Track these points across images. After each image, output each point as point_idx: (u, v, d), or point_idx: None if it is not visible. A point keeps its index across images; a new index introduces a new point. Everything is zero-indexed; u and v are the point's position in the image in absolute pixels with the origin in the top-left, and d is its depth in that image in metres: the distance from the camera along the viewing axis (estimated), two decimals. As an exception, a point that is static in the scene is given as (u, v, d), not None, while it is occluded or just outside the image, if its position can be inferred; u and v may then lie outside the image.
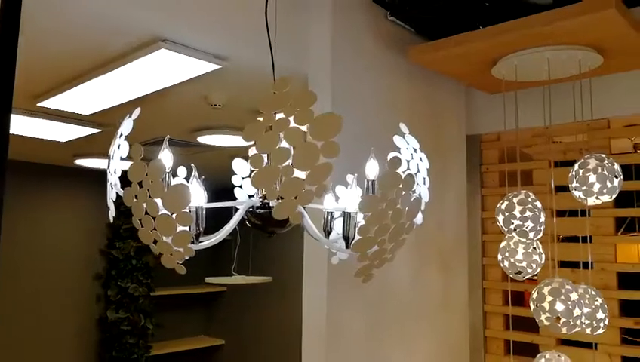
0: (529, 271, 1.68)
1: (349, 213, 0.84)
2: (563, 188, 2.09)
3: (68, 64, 1.55)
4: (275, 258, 4.84)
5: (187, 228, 0.73)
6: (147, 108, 2.05)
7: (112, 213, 0.88)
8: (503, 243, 1.73)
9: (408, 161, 1.05)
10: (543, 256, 1.70)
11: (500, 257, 1.72)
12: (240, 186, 1.23)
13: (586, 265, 2.06)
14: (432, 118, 2.11)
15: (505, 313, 2.37)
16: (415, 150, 1.02)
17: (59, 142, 2.91)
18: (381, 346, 1.74)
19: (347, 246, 0.84)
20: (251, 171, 1.26)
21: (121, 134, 0.86)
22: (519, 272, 1.70)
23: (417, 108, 2.00)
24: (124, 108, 2.03)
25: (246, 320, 5.15)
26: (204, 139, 2.48)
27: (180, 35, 1.31)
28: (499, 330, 2.37)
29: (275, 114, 0.70)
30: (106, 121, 2.30)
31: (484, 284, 2.40)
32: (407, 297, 1.89)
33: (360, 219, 0.87)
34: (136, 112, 0.92)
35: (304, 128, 0.73)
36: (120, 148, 0.88)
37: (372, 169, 1.00)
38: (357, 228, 0.86)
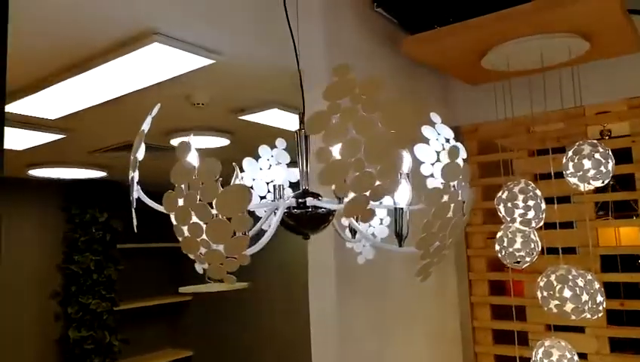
0: (527, 259, 1.69)
1: (401, 208, 0.78)
2: (542, 177, 2.14)
3: (41, 64, 1.42)
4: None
5: (242, 234, 0.65)
6: (118, 109, 1.92)
7: (135, 221, 0.79)
8: (499, 234, 1.73)
9: (438, 153, 1.02)
10: (539, 243, 1.71)
11: (497, 247, 1.72)
12: (251, 188, 1.16)
13: (573, 250, 2.11)
14: (417, 111, 2.10)
15: (491, 303, 2.39)
16: (447, 140, 0.98)
17: (12, 150, 2.70)
18: (385, 343, 1.70)
19: (400, 245, 0.79)
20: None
21: (143, 132, 0.78)
22: (517, 261, 1.71)
23: (404, 100, 1.98)
24: (94, 111, 1.90)
25: (215, 330, 5.00)
26: (178, 142, 2.36)
27: (174, 27, 1.22)
28: (486, 320, 2.39)
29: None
30: (72, 125, 2.14)
31: (470, 276, 2.41)
32: (405, 291, 1.87)
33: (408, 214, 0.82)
34: (156, 109, 0.83)
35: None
36: (140, 150, 0.79)
37: (405, 162, 0.96)
38: (409, 224, 0.81)
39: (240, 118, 2.00)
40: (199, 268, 0.99)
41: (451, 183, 0.73)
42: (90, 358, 4.10)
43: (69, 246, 4.33)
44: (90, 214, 4.33)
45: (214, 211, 0.64)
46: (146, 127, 0.79)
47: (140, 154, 0.80)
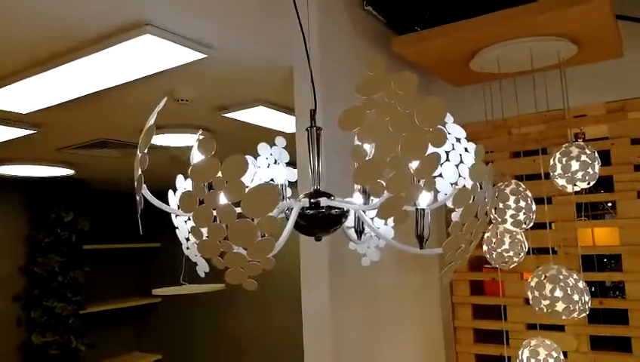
0: (515, 260, 1.70)
1: (422, 209, 0.76)
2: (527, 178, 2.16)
3: (19, 54, 1.32)
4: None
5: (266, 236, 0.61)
6: (94, 104, 1.83)
7: (140, 222, 0.74)
8: (487, 234, 1.73)
9: (447, 152, 1.00)
10: (526, 244, 1.73)
11: (485, 248, 1.72)
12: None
13: (547, 251, 2.14)
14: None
15: (472, 303, 2.41)
16: (458, 140, 0.97)
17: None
18: (375, 344, 1.68)
19: (422, 247, 0.76)
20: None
21: (153, 127, 0.73)
22: (505, 262, 1.71)
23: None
24: (69, 106, 1.80)
25: (184, 332, 4.89)
26: (155, 139, 2.28)
27: (166, 18, 1.16)
28: (467, 320, 2.40)
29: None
30: (44, 120, 2.03)
31: (451, 276, 2.42)
32: (391, 293, 1.85)
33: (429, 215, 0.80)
34: (163, 103, 0.78)
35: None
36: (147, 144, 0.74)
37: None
38: (430, 226, 0.78)
39: (223, 115, 1.94)
40: (201, 271, 0.94)
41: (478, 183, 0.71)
42: (54, 364, 3.93)
43: (33, 247, 4.14)
44: (55, 213, 4.15)
45: (238, 211, 0.60)
46: (153, 121, 0.74)
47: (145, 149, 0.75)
